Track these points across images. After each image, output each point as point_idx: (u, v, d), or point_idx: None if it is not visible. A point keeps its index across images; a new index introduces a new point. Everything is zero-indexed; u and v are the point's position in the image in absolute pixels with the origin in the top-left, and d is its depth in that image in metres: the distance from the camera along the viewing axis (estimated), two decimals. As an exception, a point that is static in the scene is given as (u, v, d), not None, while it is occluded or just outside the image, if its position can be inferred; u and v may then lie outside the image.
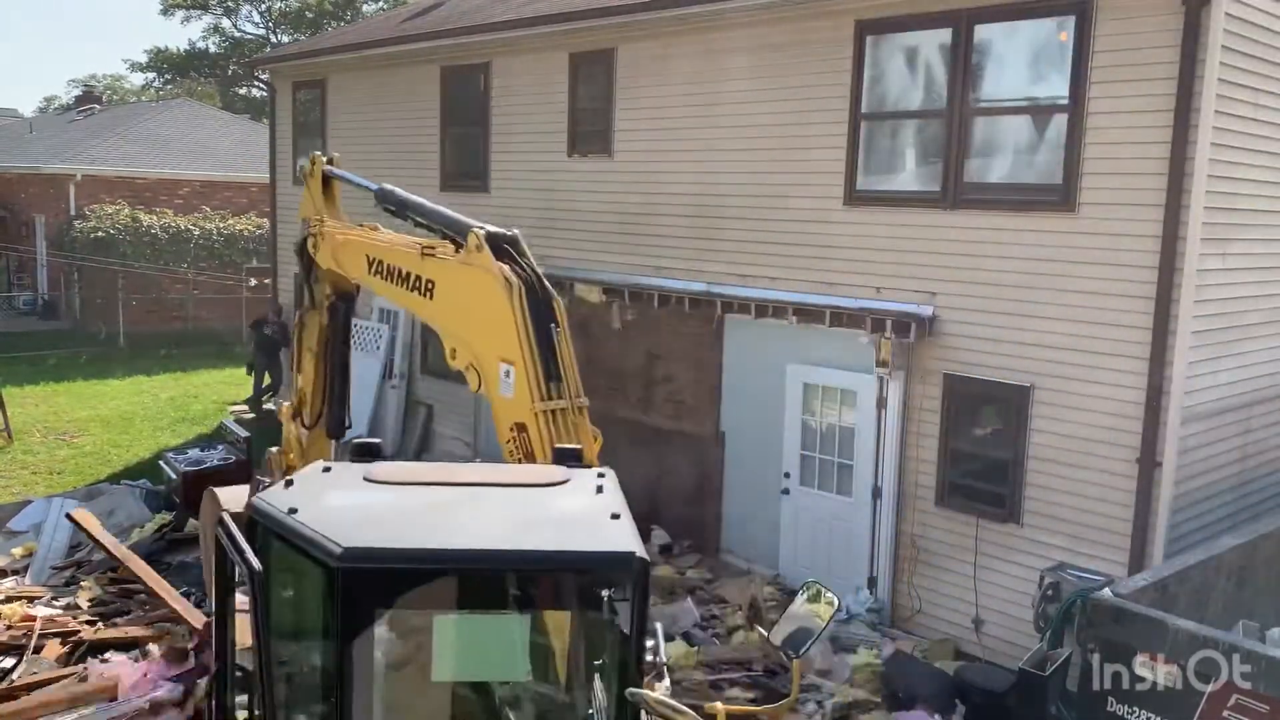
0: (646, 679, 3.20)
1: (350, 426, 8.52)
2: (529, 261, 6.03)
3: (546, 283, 5.97)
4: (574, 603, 3.58)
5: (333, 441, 8.32)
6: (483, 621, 3.49)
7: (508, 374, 5.69)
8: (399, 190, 7.38)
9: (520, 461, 5.52)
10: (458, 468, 4.26)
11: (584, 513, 3.68)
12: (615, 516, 3.55)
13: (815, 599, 4.31)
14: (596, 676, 3.52)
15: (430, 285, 6.54)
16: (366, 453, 4.11)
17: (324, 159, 8.63)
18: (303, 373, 8.49)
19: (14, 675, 7.88)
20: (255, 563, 3.31)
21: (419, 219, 6.95)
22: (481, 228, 6.21)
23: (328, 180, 8.51)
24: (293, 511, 3.39)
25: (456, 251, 6.29)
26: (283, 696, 3.53)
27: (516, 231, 6.24)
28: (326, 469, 4.06)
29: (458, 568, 3.30)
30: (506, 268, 5.89)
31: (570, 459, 4.28)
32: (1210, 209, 7.73)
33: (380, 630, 3.49)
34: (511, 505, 3.76)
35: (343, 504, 3.67)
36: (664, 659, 3.41)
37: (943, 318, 9.03)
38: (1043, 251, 8.42)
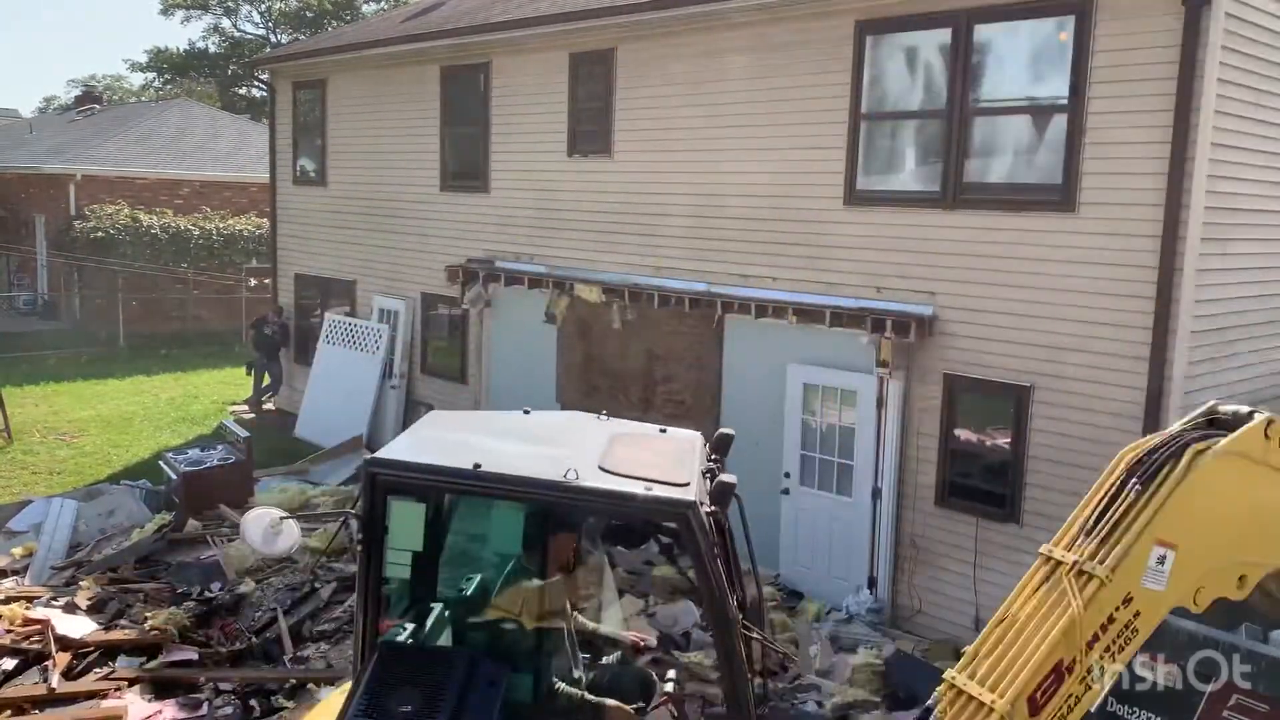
0: None
1: None
2: None
3: None
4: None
5: None
6: None
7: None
8: None
9: None
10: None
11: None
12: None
13: None
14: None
15: None
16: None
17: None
18: None
19: (18, 680, 7.90)
20: None
21: None
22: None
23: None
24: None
25: None
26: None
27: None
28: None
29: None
30: None
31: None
32: (1210, 209, 7.73)
33: None
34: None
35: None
36: None
37: (943, 318, 9.03)
38: (1043, 251, 8.42)
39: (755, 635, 4.41)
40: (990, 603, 8.79)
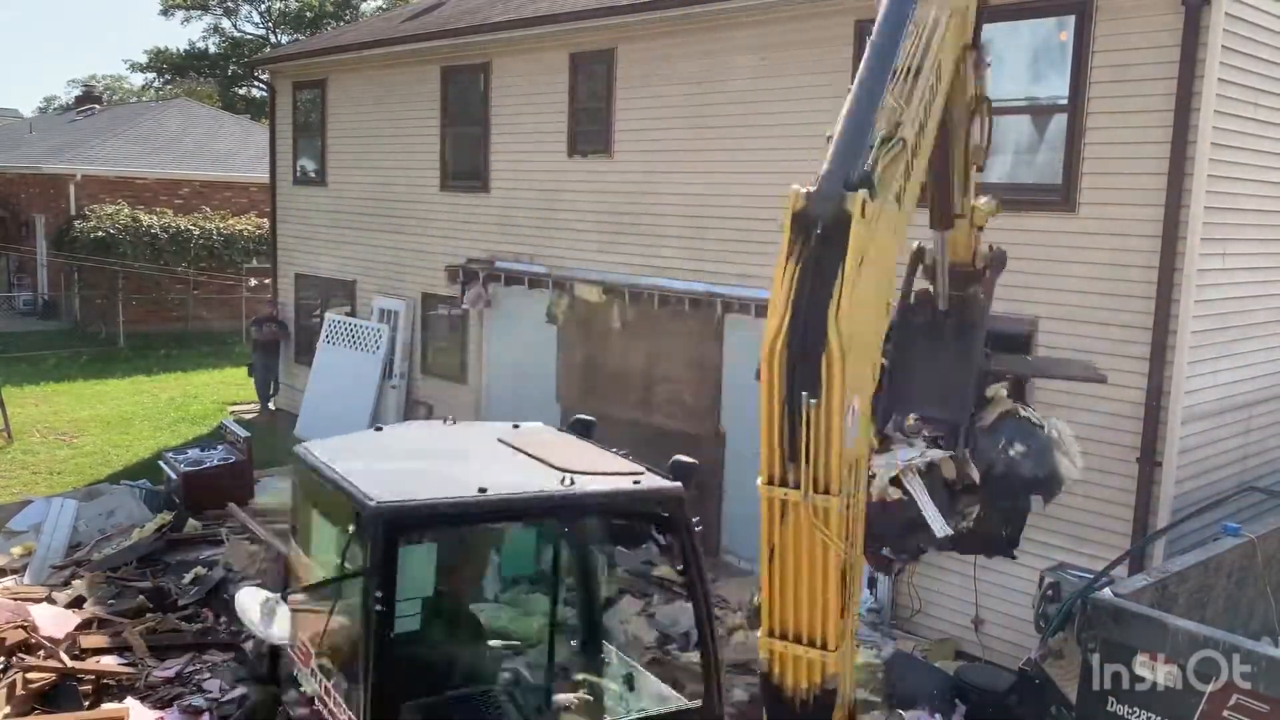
0: None
1: None
2: None
3: None
4: None
5: None
6: None
7: None
8: None
9: None
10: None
11: None
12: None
13: None
14: None
15: None
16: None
17: None
18: None
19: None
20: None
21: None
22: None
23: None
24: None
25: None
26: None
27: None
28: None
29: None
30: None
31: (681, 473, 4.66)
32: (1210, 209, 7.72)
33: None
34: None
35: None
36: None
37: (943, 318, 9.01)
38: (1042, 251, 8.41)
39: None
40: (990, 603, 8.81)
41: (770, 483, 3.36)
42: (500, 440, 4.89)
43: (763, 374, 3.32)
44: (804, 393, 3.17)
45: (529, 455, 4.60)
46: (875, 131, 3.45)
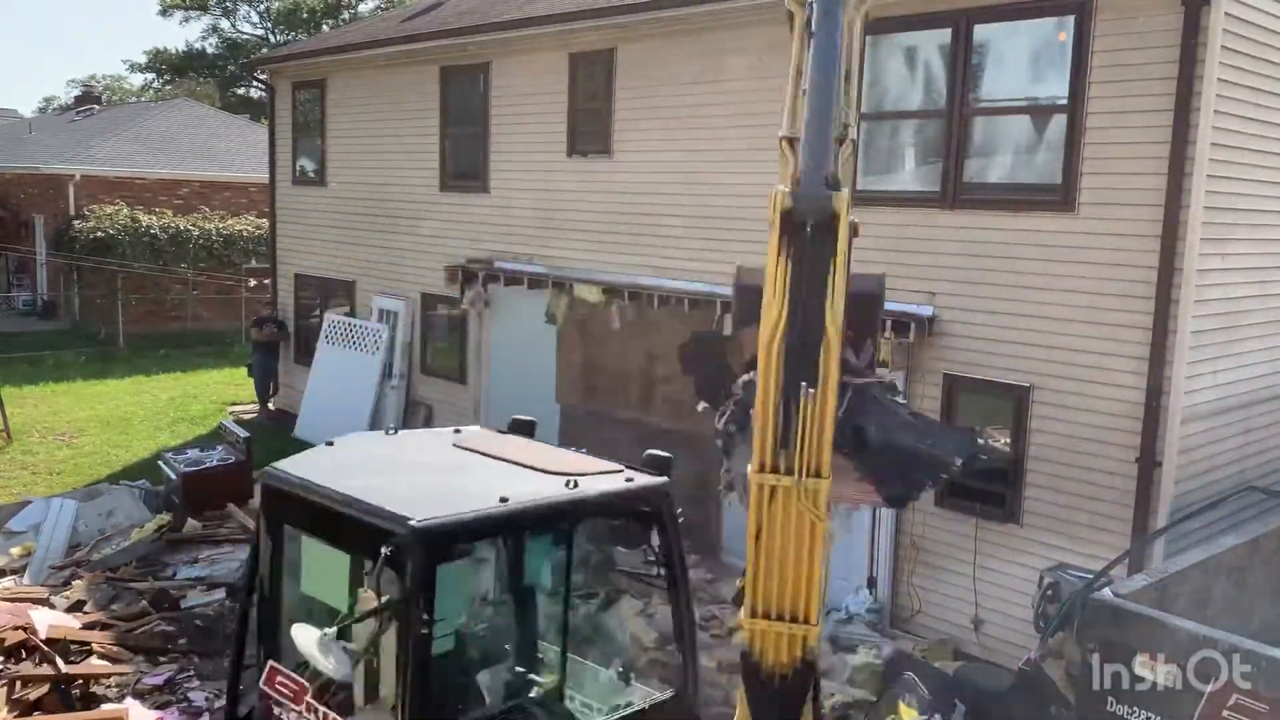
0: None
1: None
2: None
3: None
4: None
5: None
6: None
7: None
8: None
9: None
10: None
11: None
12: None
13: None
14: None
15: None
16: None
17: None
18: None
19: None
20: None
21: None
22: None
23: None
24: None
25: None
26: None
27: None
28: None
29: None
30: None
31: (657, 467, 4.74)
32: (1210, 209, 7.72)
33: None
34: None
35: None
36: None
37: (943, 318, 9.02)
38: (1043, 251, 8.42)
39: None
40: (990, 603, 8.81)
41: (761, 470, 3.55)
42: (463, 447, 4.72)
43: (761, 366, 3.53)
44: (803, 382, 3.40)
45: (511, 462, 4.51)
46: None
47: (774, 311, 3.48)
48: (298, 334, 17.27)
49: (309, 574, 4.04)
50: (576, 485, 4.26)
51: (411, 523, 3.61)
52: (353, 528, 3.83)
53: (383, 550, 3.54)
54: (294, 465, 4.35)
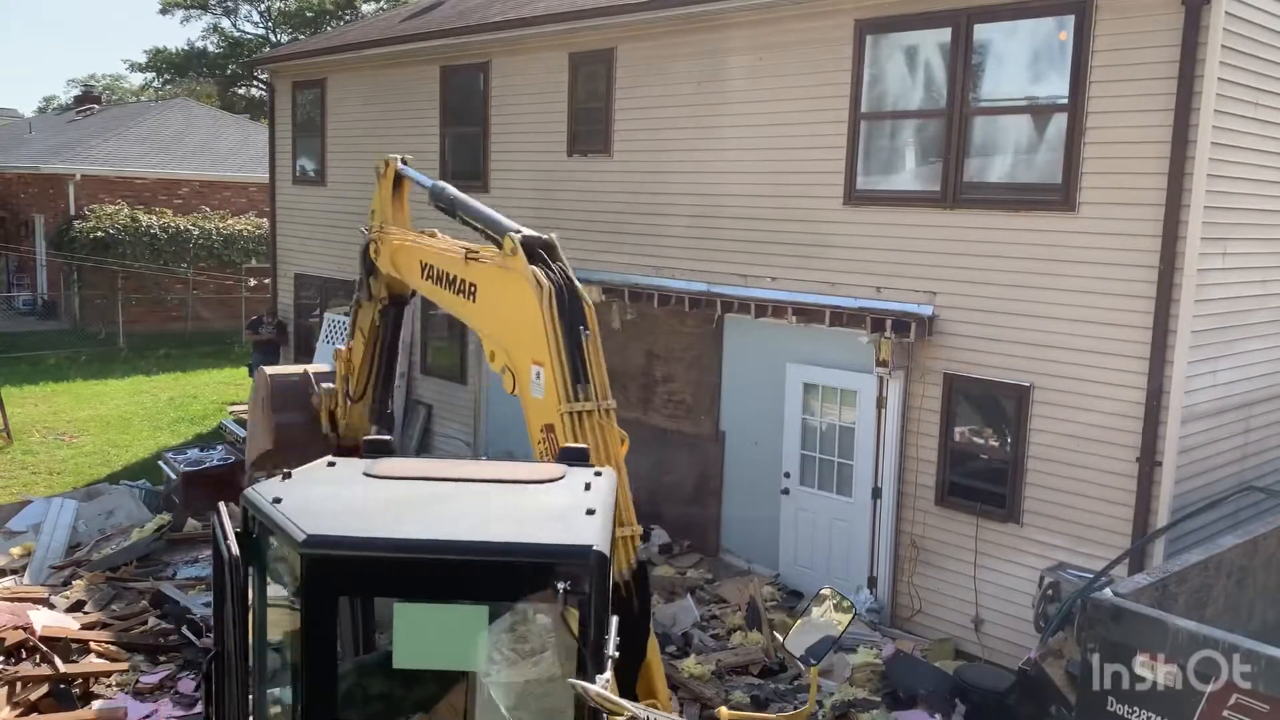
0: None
1: (391, 412, 8.94)
2: (562, 265, 5.98)
3: (578, 286, 5.94)
4: (533, 595, 3.56)
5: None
6: (443, 611, 3.42)
7: (538, 376, 5.76)
8: (451, 189, 7.41)
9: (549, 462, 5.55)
10: (459, 464, 4.30)
11: (562, 508, 3.65)
12: (590, 512, 3.53)
13: (834, 608, 4.47)
14: (553, 668, 3.64)
15: (473, 289, 6.57)
16: (378, 450, 4.18)
17: (398, 160, 8.71)
18: (352, 350, 8.90)
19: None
20: (233, 549, 3.44)
21: (466, 219, 6.98)
22: (518, 231, 6.18)
23: (399, 181, 8.76)
24: (277, 501, 3.47)
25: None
26: (265, 679, 3.67)
27: (553, 236, 6.21)
28: (331, 464, 4.11)
29: (414, 557, 3.30)
30: (539, 271, 5.85)
31: (575, 458, 4.31)
32: (1210, 209, 7.72)
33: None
34: (493, 500, 3.76)
35: (327, 495, 3.72)
36: (613, 653, 3.45)
37: (943, 317, 9.03)
38: (1043, 251, 8.42)
39: None
40: (990, 603, 8.81)
41: (567, 401, 5.46)
42: (397, 477, 3.99)
43: (545, 323, 5.58)
44: (581, 327, 5.68)
45: (479, 480, 3.99)
46: None
47: (547, 286, 5.74)
48: (298, 333, 17.26)
49: (406, 644, 3.39)
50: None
51: (595, 548, 3.28)
52: (507, 572, 3.37)
53: (560, 586, 3.21)
54: (319, 524, 3.40)
